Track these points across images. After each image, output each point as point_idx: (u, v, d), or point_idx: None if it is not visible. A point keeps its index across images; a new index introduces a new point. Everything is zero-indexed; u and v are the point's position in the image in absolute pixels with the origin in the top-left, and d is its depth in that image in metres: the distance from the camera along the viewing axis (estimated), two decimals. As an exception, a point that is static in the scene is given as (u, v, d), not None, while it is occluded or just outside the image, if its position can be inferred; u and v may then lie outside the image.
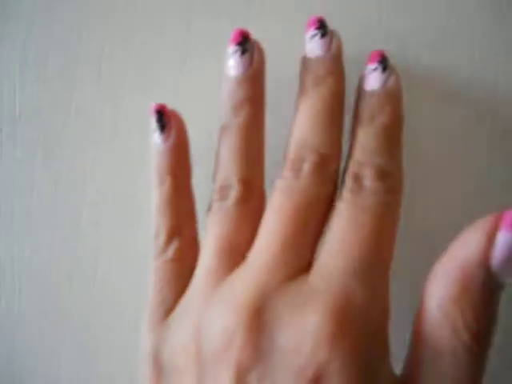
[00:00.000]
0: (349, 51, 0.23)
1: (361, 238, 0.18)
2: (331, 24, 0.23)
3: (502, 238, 0.16)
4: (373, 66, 0.21)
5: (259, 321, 0.17)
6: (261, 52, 0.22)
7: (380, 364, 0.17)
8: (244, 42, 0.22)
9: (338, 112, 0.22)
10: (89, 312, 0.26)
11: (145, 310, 0.22)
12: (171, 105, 0.23)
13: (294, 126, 0.22)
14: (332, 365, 0.16)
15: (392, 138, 0.21)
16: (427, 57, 0.25)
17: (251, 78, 0.22)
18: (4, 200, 0.26)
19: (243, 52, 0.22)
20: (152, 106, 0.22)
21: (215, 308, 0.19)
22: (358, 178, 0.20)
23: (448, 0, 0.25)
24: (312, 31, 0.22)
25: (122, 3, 0.26)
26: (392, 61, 0.22)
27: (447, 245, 0.17)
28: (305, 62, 0.22)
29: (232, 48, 0.22)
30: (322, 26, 0.22)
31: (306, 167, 0.20)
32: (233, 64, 0.22)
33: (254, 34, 0.23)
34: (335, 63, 0.22)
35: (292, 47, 0.23)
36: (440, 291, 0.17)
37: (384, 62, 0.21)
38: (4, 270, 0.26)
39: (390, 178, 0.20)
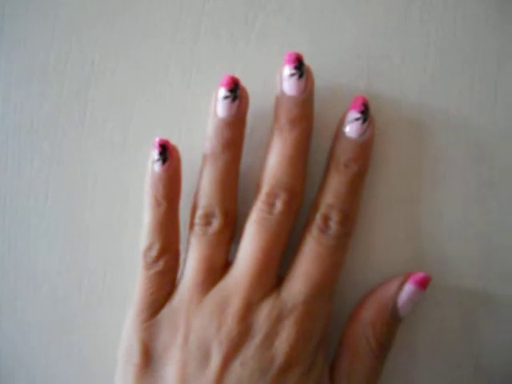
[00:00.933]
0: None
1: (320, 270, 0.24)
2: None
3: (406, 287, 0.25)
4: (356, 114, 0.24)
5: (244, 324, 0.24)
6: (247, 99, 0.26)
7: (319, 348, 0.25)
8: (235, 90, 0.25)
9: (307, 152, 0.25)
10: (93, 319, 0.28)
11: (131, 311, 0.25)
12: (173, 126, 0.27)
13: (267, 162, 0.25)
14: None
15: (358, 185, 0.25)
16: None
17: (238, 122, 0.25)
18: (20, 208, 0.29)
19: (234, 99, 0.25)
20: (157, 140, 0.25)
21: (207, 311, 0.24)
22: (326, 219, 0.25)
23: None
24: (291, 69, 0.24)
25: (133, 31, 0.28)
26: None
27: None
28: (281, 99, 0.25)
29: (223, 92, 0.25)
30: (300, 66, 0.24)
31: (279, 204, 0.24)
32: (223, 107, 0.25)
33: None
34: (309, 105, 0.25)
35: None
36: (364, 312, 0.25)
37: (366, 113, 0.24)
38: (20, 274, 0.29)
39: (350, 222, 0.25)
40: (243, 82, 0.25)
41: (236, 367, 0.23)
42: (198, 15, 0.28)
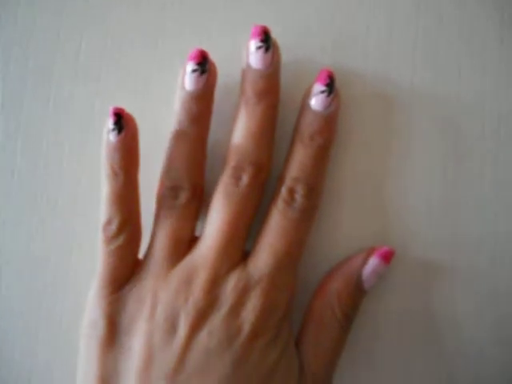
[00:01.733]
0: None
1: (285, 243, 0.24)
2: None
3: (371, 261, 0.26)
4: (321, 87, 0.24)
5: (210, 296, 0.24)
6: (215, 73, 0.26)
7: (284, 320, 0.25)
8: (204, 63, 0.25)
9: (273, 125, 0.25)
10: (61, 295, 0.28)
11: (93, 286, 0.25)
12: (139, 100, 0.27)
13: (234, 135, 0.25)
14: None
15: (324, 158, 0.25)
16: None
17: (206, 95, 0.25)
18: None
19: (202, 72, 0.25)
20: (111, 109, 0.25)
21: (173, 283, 0.24)
22: (291, 192, 0.25)
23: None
24: (257, 42, 0.24)
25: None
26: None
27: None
28: (248, 72, 0.25)
29: (192, 66, 0.25)
30: (266, 39, 0.24)
31: (245, 177, 0.25)
32: (191, 80, 0.25)
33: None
34: (275, 78, 0.25)
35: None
36: (330, 284, 0.26)
37: (331, 86, 0.24)
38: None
39: (315, 194, 0.25)
40: (212, 48, 0.25)
41: (203, 337, 0.23)
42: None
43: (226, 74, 0.26)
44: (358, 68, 0.27)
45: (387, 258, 0.26)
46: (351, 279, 0.26)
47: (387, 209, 0.27)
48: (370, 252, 0.26)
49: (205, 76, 0.25)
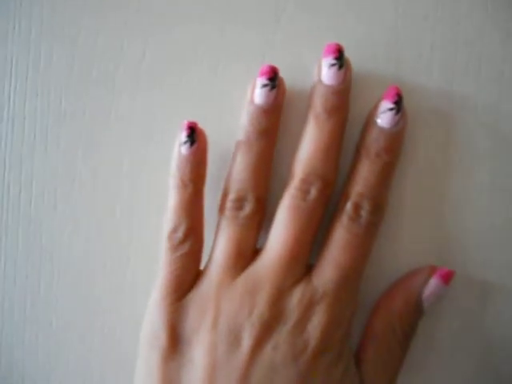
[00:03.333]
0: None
1: (349, 258, 0.24)
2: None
3: (431, 282, 0.26)
4: (389, 105, 0.25)
5: (276, 308, 0.24)
6: (284, 89, 0.26)
7: (346, 336, 0.25)
8: (274, 79, 0.25)
9: (341, 141, 0.25)
10: (118, 302, 0.28)
11: (155, 294, 0.25)
12: (200, 111, 0.27)
13: (302, 149, 0.25)
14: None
15: (389, 175, 0.25)
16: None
17: (275, 110, 0.26)
18: (48, 190, 0.29)
19: (272, 87, 0.25)
20: (185, 122, 0.25)
21: (237, 294, 0.24)
22: (357, 208, 0.25)
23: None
24: (331, 60, 0.25)
25: (160, 12, 0.28)
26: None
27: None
28: (319, 87, 0.25)
29: (262, 81, 0.25)
30: (340, 57, 0.25)
31: (313, 191, 0.25)
32: (262, 95, 0.25)
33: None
34: (346, 95, 0.25)
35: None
36: (391, 302, 0.26)
37: (399, 104, 0.25)
38: (45, 257, 0.29)
39: (380, 211, 0.25)
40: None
41: (268, 351, 0.23)
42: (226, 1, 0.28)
43: (290, 87, 0.27)
44: (420, 83, 0.27)
45: (447, 278, 0.26)
46: (412, 299, 0.26)
47: (448, 225, 0.27)
48: (430, 272, 0.26)
49: (274, 91, 0.25)
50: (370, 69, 0.27)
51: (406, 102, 0.26)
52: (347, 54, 0.25)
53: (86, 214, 0.28)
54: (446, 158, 0.27)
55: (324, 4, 0.27)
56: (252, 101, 0.25)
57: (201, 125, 0.26)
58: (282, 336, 0.23)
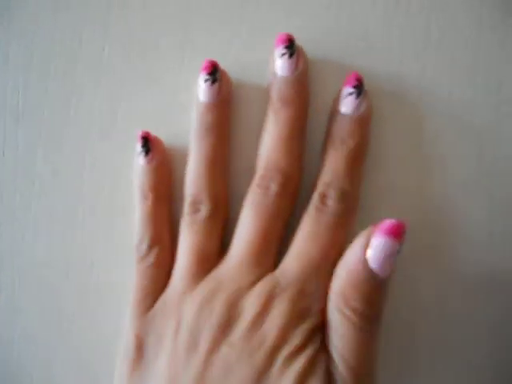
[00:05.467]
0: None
1: (315, 247, 0.23)
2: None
3: (374, 242, 0.21)
4: (349, 89, 0.24)
5: (235, 308, 0.23)
6: (228, 81, 0.25)
7: (317, 331, 0.23)
8: (214, 72, 0.24)
9: (302, 132, 0.24)
10: (82, 306, 0.27)
11: (129, 305, 0.25)
12: (165, 106, 0.26)
13: (262, 144, 0.24)
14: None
15: (356, 161, 0.24)
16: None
17: (220, 105, 0.25)
18: (6, 194, 0.27)
19: (213, 82, 0.24)
20: (138, 133, 0.25)
21: (198, 299, 0.23)
22: (323, 198, 0.23)
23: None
24: (281, 49, 0.24)
25: (119, 4, 0.27)
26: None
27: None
28: (274, 79, 0.24)
29: (204, 76, 0.24)
30: (290, 46, 0.24)
31: (274, 186, 0.24)
32: (204, 91, 0.24)
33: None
34: (301, 83, 0.24)
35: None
36: (332, 286, 0.22)
37: (359, 88, 0.24)
38: (4, 263, 0.27)
39: (349, 199, 0.24)
40: (238, 65, 0.25)
41: (223, 350, 0.22)
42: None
43: (256, 84, 0.26)
44: (391, 74, 0.26)
45: (395, 232, 0.21)
46: (355, 271, 0.21)
47: (424, 215, 0.26)
48: (369, 233, 0.21)
49: (216, 85, 0.24)
50: (343, 60, 0.26)
51: (375, 95, 0.25)
52: (319, 45, 0.25)
53: (47, 217, 0.27)
54: (417, 151, 0.26)
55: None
56: (197, 98, 0.25)
57: (163, 120, 0.25)
58: (237, 333, 0.22)
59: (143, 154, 0.25)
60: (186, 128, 0.26)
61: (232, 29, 0.26)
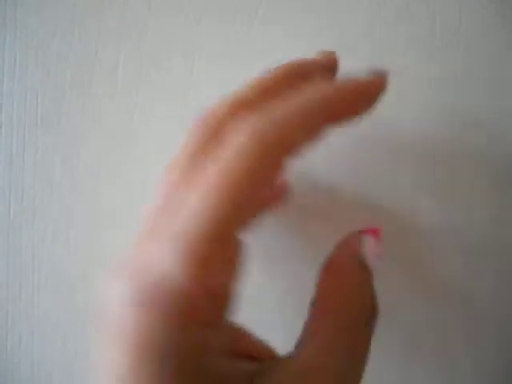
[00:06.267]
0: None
1: None
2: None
3: (365, 240, 0.21)
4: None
5: None
6: None
7: None
8: None
9: None
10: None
11: None
12: (180, 112, 0.27)
13: None
14: None
15: None
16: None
17: None
18: (26, 198, 0.28)
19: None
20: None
21: None
22: None
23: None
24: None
25: (133, 17, 0.28)
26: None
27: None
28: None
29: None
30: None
31: None
32: None
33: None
34: None
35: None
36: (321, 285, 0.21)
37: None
38: (24, 265, 0.28)
39: None
40: (246, 69, 0.25)
41: None
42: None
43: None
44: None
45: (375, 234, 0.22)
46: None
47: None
48: (361, 233, 0.22)
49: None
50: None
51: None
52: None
53: (65, 221, 0.28)
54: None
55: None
56: None
57: (180, 128, 0.25)
58: None
59: None
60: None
61: (243, 34, 0.27)
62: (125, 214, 0.28)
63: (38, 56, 0.28)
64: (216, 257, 0.17)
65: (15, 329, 0.28)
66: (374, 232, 0.22)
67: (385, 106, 0.21)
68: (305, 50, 0.25)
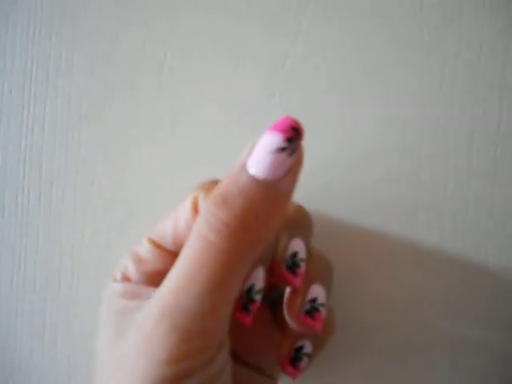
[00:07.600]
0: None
1: None
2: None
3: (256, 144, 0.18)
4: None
5: None
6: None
7: None
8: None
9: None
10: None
11: None
12: (224, 113, 0.27)
13: None
14: None
15: None
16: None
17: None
18: (68, 193, 0.28)
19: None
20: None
21: None
22: None
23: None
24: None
25: (183, 15, 0.28)
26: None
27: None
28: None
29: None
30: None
31: None
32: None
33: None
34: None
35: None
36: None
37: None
38: (64, 260, 0.28)
39: None
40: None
41: None
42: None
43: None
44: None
45: (279, 127, 0.17)
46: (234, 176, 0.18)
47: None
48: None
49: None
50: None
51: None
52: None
53: (105, 216, 0.28)
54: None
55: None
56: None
57: (224, 126, 0.26)
58: None
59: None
60: (246, 130, 0.27)
61: (289, 36, 0.27)
62: (164, 212, 0.28)
63: (83, 53, 0.28)
64: None
65: (52, 325, 0.28)
66: (280, 123, 0.17)
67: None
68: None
